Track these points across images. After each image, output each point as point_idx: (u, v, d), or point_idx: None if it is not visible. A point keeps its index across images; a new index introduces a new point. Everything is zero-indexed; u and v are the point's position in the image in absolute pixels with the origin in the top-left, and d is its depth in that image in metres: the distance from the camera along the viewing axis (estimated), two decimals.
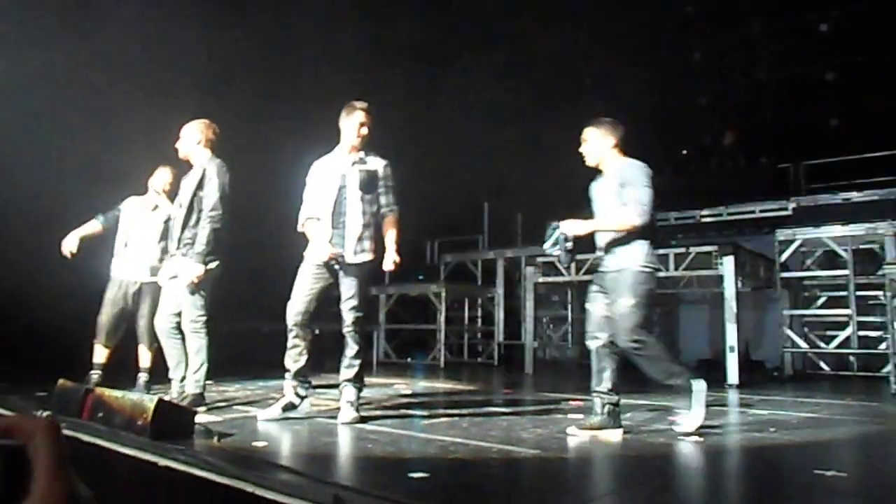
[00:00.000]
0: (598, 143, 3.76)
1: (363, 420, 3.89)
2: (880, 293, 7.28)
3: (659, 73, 10.94)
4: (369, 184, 4.08)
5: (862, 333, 7.80)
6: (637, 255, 3.58)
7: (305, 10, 8.82)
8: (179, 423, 3.24)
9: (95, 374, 4.89)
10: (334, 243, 3.99)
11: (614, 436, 3.54)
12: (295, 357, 4.03)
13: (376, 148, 4.22)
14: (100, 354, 5.00)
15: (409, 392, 5.94)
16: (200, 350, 4.20)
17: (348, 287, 3.99)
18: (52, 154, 6.19)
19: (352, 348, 4.01)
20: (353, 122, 4.07)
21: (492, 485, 2.67)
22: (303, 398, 4.07)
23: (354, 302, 3.99)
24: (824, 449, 3.54)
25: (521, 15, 10.87)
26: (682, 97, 11.32)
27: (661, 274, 7.86)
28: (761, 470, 3.10)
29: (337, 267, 4.01)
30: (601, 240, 3.74)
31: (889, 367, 6.49)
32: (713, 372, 7.53)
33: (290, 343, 4.03)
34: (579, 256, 3.90)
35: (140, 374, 5.03)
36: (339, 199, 4.04)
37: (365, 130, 4.08)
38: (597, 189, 3.85)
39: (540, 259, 8.42)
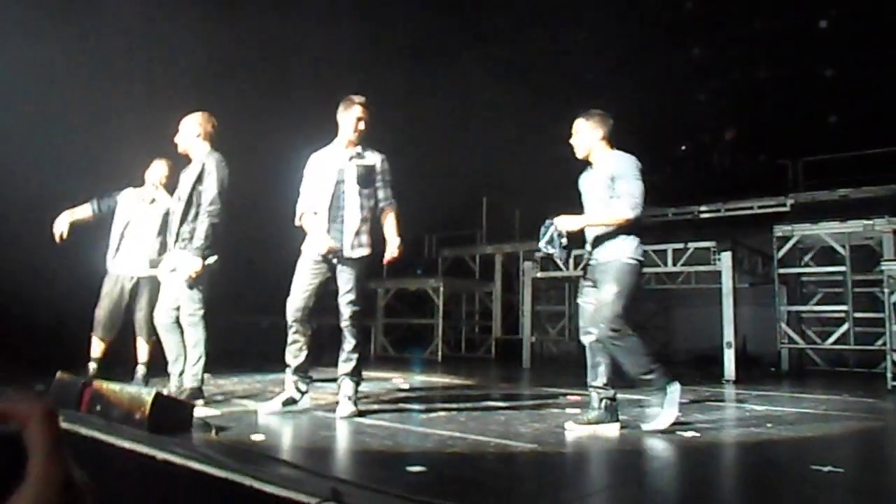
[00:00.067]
0: (587, 135, 3.75)
1: (361, 414, 3.89)
2: (877, 289, 7.29)
3: (658, 70, 10.93)
4: (367, 178, 4.08)
5: (859, 330, 7.81)
6: (626, 247, 3.59)
7: (305, 7, 8.79)
8: (177, 416, 3.24)
9: (93, 367, 4.88)
10: (332, 238, 3.99)
11: (611, 430, 3.54)
12: (295, 353, 4.04)
13: (376, 143, 4.22)
14: (97, 348, 4.99)
15: (406, 386, 5.95)
16: (198, 343, 4.20)
17: (346, 281, 4.00)
18: (50, 150, 6.18)
19: (349, 342, 4.02)
20: (350, 117, 4.07)
21: (489, 479, 2.68)
22: (303, 393, 4.07)
23: (352, 296, 3.99)
24: (821, 445, 3.55)
25: (521, 12, 10.84)
26: (681, 93, 11.31)
27: (660, 269, 7.89)
28: (758, 465, 3.11)
29: (335, 261, 4.01)
30: (591, 233, 3.74)
31: (885, 364, 6.51)
32: (710, 367, 7.57)
33: (290, 339, 4.04)
34: (577, 252, 3.89)
35: (138, 368, 5.03)
36: (336, 194, 4.04)
37: (363, 125, 4.08)
38: (586, 181, 3.84)
39: (538, 254, 8.43)
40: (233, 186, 4.35)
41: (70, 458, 0.45)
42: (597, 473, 3.05)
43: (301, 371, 4.05)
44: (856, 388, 6.22)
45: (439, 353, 10.07)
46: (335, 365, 4.07)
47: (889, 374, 6.27)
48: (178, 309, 4.28)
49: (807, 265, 8.61)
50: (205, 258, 4.17)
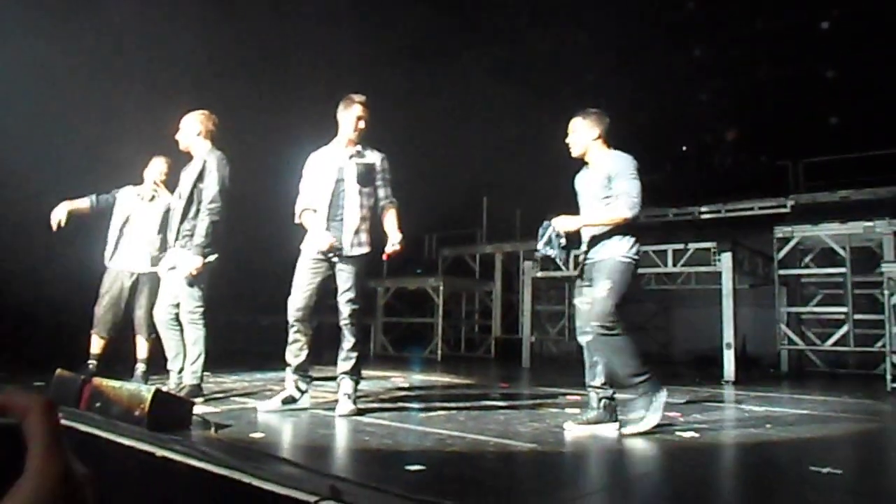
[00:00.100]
0: (583, 134, 3.73)
1: (360, 412, 3.89)
2: (877, 291, 7.29)
3: (658, 70, 10.93)
4: (367, 177, 4.08)
5: (858, 331, 7.82)
6: (622, 246, 3.58)
7: (305, 7, 8.79)
8: (177, 413, 3.24)
9: (92, 365, 4.89)
10: (332, 236, 3.99)
11: (610, 430, 3.54)
12: (296, 352, 4.04)
13: (376, 143, 4.22)
14: (97, 346, 4.99)
15: (406, 385, 5.95)
16: (198, 341, 4.21)
17: (345, 280, 4.00)
18: (50, 150, 6.18)
19: (349, 341, 4.02)
20: (350, 116, 4.06)
21: (489, 478, 2.68)
22: (303, 392, 4.08)
23: (351, 294, 3.99)
24: (820, 446, 3.54)
25: (521, 12, 10.84)
26: (682, 94, 11.31)
27: (660, 270, 7.89)
28: (757, 466, 3.11)
29: (335, 259, 4.01)
30: (587, 233, 3.73)
31: (885, 365, 6.51)
32: (710, 368, 7.57)
33: (291, 338, 4.04)
34: (576, 252, 3.88)
35: (138, 365, 5.03)
36: (336, 193, 4.04)
37: (363, 124, 4.08)
38: (582, 180, 3.83)
39: (537, 255, 8.42)
40: (234, 184, 4.35)
41: (70, 451, 0.45)
42: (596, 473, 3.05)
43: (301, 370, 4.05)
44: (855, 390, 6.22)
45: (439, 352, 10.07)
46: (335, 363, 4.07)
47: (889, 376, 6.27)
48: (177, 306, 4.29)
49: (807, 266, 8.61)
50: (205, 256, 4.18)
